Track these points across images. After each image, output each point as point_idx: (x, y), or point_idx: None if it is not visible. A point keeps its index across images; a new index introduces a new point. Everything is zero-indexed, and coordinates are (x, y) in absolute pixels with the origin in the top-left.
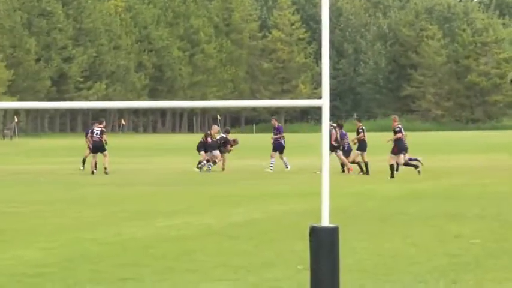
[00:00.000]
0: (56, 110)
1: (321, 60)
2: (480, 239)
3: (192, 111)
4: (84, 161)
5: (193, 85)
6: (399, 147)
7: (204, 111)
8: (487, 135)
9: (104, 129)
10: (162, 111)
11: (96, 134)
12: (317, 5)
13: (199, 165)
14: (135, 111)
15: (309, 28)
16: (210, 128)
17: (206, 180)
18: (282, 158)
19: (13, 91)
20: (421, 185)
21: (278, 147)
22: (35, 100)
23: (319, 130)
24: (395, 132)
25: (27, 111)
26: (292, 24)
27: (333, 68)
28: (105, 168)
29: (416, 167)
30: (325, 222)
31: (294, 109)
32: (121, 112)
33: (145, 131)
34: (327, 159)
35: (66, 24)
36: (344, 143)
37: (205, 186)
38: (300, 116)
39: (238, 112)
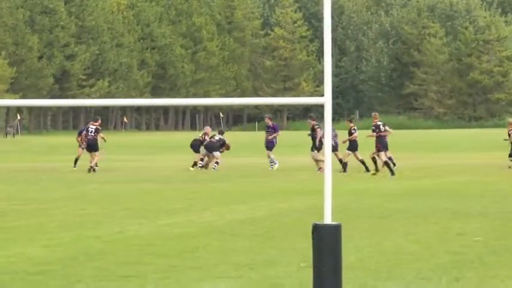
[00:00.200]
0: (59, 108)
1: (323, 58)
2: (483, 237)
3: (194, 109)
4: (76, 160)
5: (196, 83)
6: (382, 145)
7: (207, 108)
8: (490, 133)
9: (100, 128)
10: (165, 109)
11: (91, 132)
12: (319, 3)
13: (200, 165)
14: (138, 109)
15: (311, 26)
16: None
17: (208, 177)
18: (269, 156)
19: (16, 89)
20: (423, 182)
21: (271, 146)
22: (38, 98)
23: (322, 128)
24: (372, 130)
25: (30, 109)
26: (295, 22)
27: (335, 65)
28: (91, 167)
29: (390, 169)
30: (328, 219)
31: (296, 107)
32: (124, 110)
33: (148, 128)
34: (329, 157)
35: (69, 21)
36: (333, 141)
37: (208, 183)
38: (302, 113)
39: (241, 110)
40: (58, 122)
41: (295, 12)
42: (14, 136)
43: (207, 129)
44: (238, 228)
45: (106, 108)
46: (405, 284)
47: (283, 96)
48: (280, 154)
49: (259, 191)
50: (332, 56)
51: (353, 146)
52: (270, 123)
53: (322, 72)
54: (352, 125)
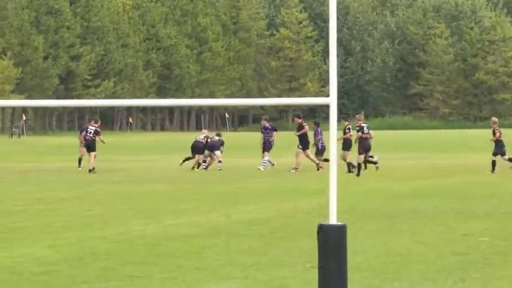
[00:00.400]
0: (64, 108)
1: (328, 58)
2: (488, 237)
3: (200, 109)
4: (80, 160)
5: (201, 83)
6: (363, 147)
7: (212, 109)
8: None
9: (99, 130)
10: (170, 109)
11: (90, 132)
12: (325, 3)
13: (204, 166)
14: (143, 109)
15: (316, 26)
16: (201, 128)
17: (214, 178)
18: (263, 157)
19: (21, 89)
20: (429, 183)
21: (268, 147)
22: (43, 98)
23: (327, 128)
24: (357, 131)
25: (35, 109)
26: (300, 23)
27: (341, 66)
28: (93, 168)
29: (358, 170)
30: (333, 220)
31: (301, 107)
32: (129, 110)
33: (153, 129)
34: (334, 157)
35: (74, 22)
36: (317, 142)
37: (213, 184)
38: (308, 113)
39: (246, 110)
40: (63, 123)
41: (301, 12)
42: (19, 137)
43: (206, 131)
44: (244, 228)
45: (111, 108)
46: (411, 285)
47: (288, 96)
48: (286, 154)
49: (265, 191)
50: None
51: (346, 145)
52: (267, 124)
53: (328, 72)
54: (347, 123)
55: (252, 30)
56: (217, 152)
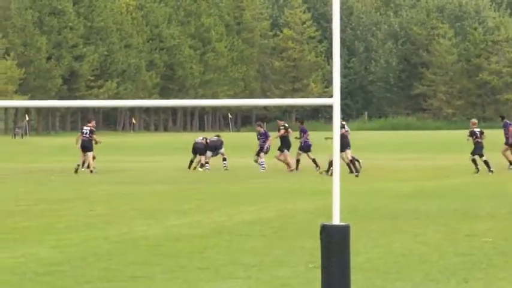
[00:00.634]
0: (67, 109)
1: (331, 58)
2: (492, 238)
3: (203, 110)
4: (84, 161)
5: (204, 83)
6: (342, 144)
7: (215, 109)
8: (498, 134)
9: (94, 129)
10: (173, 110)
11: (86, 133)
12: (328, 4)
13: (207, 168)
14: (146, 110)
15: (320, 27)
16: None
17: (216, 178)
18: (260, 158)
19: (24, 90)
20: (431, 183)
21: (266, 150)
22: (46, 99)
23: (330, 129)
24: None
25: (38, 110)
26: (303, 23)
27: (344, 66)
28: (83, 166)
29: (356, 170)
30: (336, 220)
31: (304, 108)
32: (132, 111)
33: (156, 129)
34: (337, 158)
35: (77, 22)
36: (302, 140)
37: (216, 184)
38: (311, 114)
39: (249, 111)
40: (66, 123)
41: (304, 13)
42: (22, 137)
43: (203, 136)
44: (247, 229)
45: (114, 109)
46: (413, 285)
47: (291, 97)
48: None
49: (267, 191)
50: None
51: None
52: (262, 130)
53: (331, 73)
54: (343, 123)
55: (256, 30)
56: (221, 150)
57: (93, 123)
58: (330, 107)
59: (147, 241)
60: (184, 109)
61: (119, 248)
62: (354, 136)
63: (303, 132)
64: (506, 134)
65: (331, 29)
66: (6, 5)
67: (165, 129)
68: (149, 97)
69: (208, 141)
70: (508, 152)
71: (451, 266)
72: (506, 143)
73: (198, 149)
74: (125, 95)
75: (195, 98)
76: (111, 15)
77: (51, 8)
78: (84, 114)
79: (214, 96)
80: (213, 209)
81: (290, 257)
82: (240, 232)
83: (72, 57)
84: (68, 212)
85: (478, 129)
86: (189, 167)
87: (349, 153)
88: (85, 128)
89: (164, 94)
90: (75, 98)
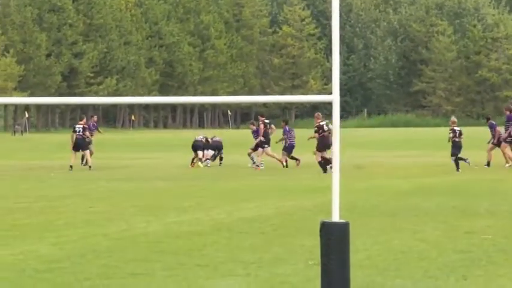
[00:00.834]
0: (67, 106)
1: (331, 55)
2: (491, 235)
3: (202, 107)
4: (83, 157)
5: (204, 81)
6: (323, 144)
7: (215, 106)
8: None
9: (86, 126)
10: (173, 107)
11: (79, 131)
12: (327, 1)
13: (206, 163)
14: (146, 107)
15: (319, 24)
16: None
17: (215, 175)
18: (251, 154)
19: (23, 86)
20: (430, 180)
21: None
22: (46, 95)
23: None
24: (315, 131)
25: (38, 107)
26: (303, 20)
27: (343, 63)
28: (82, 163)
29: (325, 170)
30: (336, 217)
31: (304, 104)
32: (131, 107)
33: (155, 126)
34: (337, 154)
35: (77, 19)
36: (285, 139)
37: (215, 181)
38: (311, 111)
39: (249, 108)
40: (66, 120)
41: (303, 10)
42: (22, 134)
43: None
44: (246, 226)
45: (114, 106)
46: (413, 282)
47: (291, 94)
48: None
49: (267, 189)
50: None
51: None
52: (255, 128)
53: (330, 70)
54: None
55: (255, 27)
56: (222, 151)
57: (84, 120)
58: (330, 103)
59: (146, 238)
60: (183, 106)
61: (119, 244)
62: (353, 133)
63: (287, 132)
64: (493, 134)
65: (330, 26)
66: (6, 2)
67: (165, 126)
68: (148, 94)
69: (210, 140)
70: (493, 151)
71: (450, 263)
72: (493, 142)
73: (198, 147)
74: (125, 92)
75: (195, 95)
76: (110, 12)
77: (50, 4)
78: (84, 111)
79: (214, 93)
80: (213, 206)
81: (290, 254)
82: (239, 229)
83: (72, 54)
84: (68, 209)
85: (458, 128)
86: (192, 165)
87: (318, 154)
88: (77, 126)
89: (163, 91)
90: (75, 94)
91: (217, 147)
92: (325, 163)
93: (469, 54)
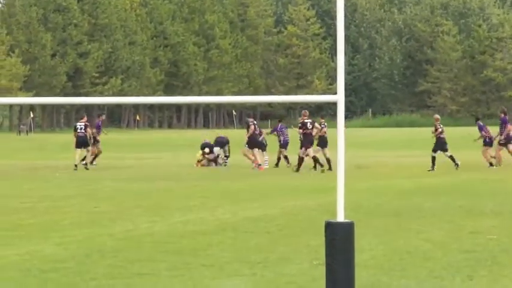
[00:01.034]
0: (72, 106)
1: (336, 55)
2: (496, 235)
3: (207, 107)
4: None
5: (209, 80)
6: (306, 141)
7: (220, 106)
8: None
9: (88, 124)
10: (178, 107)
11: (81, 129)
12: (332, 1)
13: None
14: (151, 107)
15: (324, 24)
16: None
17: (220, 175)
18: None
19: (29, 86)
20: (435, 180)
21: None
22: (51, 95)
23: (334, 125)
24: (299, 127)
25: (43, 107)
26: (308, 20)
27: (348, 63)
28: (85, 164)
29: (321, 165)
30: (341, 217)
31: (309, 104)
32: (136, 107)
33: (160, 126)
34: (342, 155)
35: (82, 19)
36: (280, 137)
37: (220, 181)
38: (315, 111)
39: (254, 107)
40: (71, 120)
41: (308, 9)
42: (27, 134)
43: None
44: (251, 225)
45: (119, 106)
46: (418, 282)
47: (296, 94)
48: (292, 152)
49: (272, 188)
50: (345, 53)
51: (322, 142)
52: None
53: (335, 70)
54: (322, 120)
55: (260, 27)
56: (226, 147)
57: (85, 118)
58: (334, 103)
59: (152, 238)
60: (188, 106)
61: (124, 244)
62: (358, 133)
63: (279, 130)
64: (482, 135)
65: (335, 26)
66: (11, 2)
67: (170, 126)
68: (153, 94)
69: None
70: (489, 151)
71: (456, 263)
72: (485, 144)
73: (207, 145)
74: (129, 92)
75: (199, 94)
76: (115, 12)
77: (55, 5)
78: (89, 111)
79: (219, 93)
80: (218, 206)
81: (295, 254)
82: (244, 229)
83: (77, 54)
84: (73, 209)
85: (441, 127)
86: (198, 164)
87: (311, 151)
88: (78, 124)
89: (168, 91)
90: (80, 95)
91: (222, 143)
92: (301, 162)
93: (474, 54)
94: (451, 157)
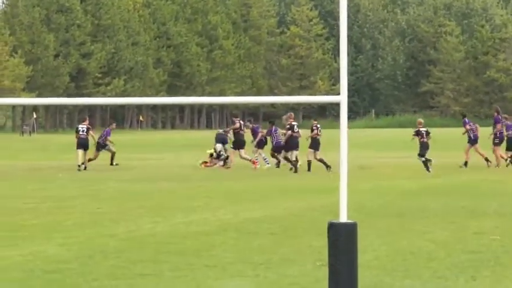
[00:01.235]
0: (75, 106)
1: (339, 56)
2: (499, 236)
3: (210, 107)
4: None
5: (212, 81)
6: (291, 144)
7: (223, 107)
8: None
9: (90, 126)
10: (181, 107)
11: (83, 131)
12: (335, 1)
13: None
14: (154, 107)
15: (327, 24)
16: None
17: (223, 176)
18: (260, 154)
19: (32, 87)
20: (439, 180)
21: (261, 144)
22: (54, 96)
23: (337, 126)
24: (287, 129)
25: (46, 107)
26: (310, 20)
27: (351, 64)
28: (84, 164)
29: (295, 170)
30: (344, 218)
31: (311, 105)
32: (139, 108)
33: (163, 127)
34: (345, 155)
35: (85, 20)
36: (273, 139)
37: (223, 182)
38: (318, 111)
39: (257, 108)
40: (74, 121)
41: (311, 10)
42: (30, 134)
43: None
44: (254, 226)
45: (122, 106)
46: (422, 283)
47: (299, 94)
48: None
49: (275, 189)
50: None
51: (314, 145)
52: (251, 126)
53: (338, 70)
54: (315, 122)
55: (263, 28)
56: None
57: (87, 121)
58: (337, 104)
59: (154, 239)
60: (191, 107)
61: (127, 245)
62: (361, 134)
63: (274, 132)
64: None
65: (338, 27)
66: (14, 3)
67: (173, 127)
68: (156, 94)
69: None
70: (472, 150)
71: (459, 263)
72: (469, 142)
73: (221, 139)
74: (132, 92)
75: (202, 95)
76: (118, 12)
77: (58, 5)
78: (92, 112)
79: (222, 93)
80: (220, 207)
81: (298, 255)
82: (247, 230)
83: (80, 54)
84: (76, 210)
85: (425, 129)
86: (204, 164)
87: (294, 153)
88: (80, 126)
89: (171, 91)
90: (83, 95)
91: (223, 140)
92: (279, 161)
93: (477, 54)
94: (426, 160)
